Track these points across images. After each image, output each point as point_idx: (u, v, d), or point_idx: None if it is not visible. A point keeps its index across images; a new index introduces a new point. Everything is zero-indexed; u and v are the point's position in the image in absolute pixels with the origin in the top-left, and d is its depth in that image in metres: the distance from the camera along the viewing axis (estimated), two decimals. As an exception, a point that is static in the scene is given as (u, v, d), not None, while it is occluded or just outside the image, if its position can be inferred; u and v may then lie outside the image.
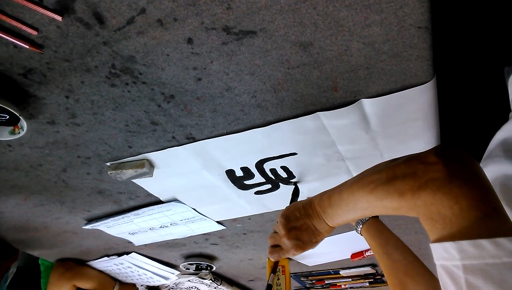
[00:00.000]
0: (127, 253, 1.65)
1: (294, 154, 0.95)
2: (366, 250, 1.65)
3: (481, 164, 0.94)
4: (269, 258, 1.69)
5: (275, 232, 0.85)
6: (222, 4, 0.61)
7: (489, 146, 0.90)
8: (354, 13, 0.62)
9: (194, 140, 0.92)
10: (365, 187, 0.65)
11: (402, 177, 0.60)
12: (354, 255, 1.67)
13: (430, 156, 0.58)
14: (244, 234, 1.46)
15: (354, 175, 1.03)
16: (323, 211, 0.76)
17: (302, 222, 0.80)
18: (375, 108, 0.79)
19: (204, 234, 1.44)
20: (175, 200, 1.19)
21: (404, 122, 0.84)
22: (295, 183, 1.09)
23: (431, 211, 0.55)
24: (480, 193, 0.53)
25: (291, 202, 1.03)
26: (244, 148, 0.93)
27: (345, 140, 0.90)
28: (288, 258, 1.76)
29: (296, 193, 1.08)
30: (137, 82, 0.76)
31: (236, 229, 1.42)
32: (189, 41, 0.67)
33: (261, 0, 0.61)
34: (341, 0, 0.60)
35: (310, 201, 0.81)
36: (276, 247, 0.85)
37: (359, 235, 1.03)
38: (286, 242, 0.81)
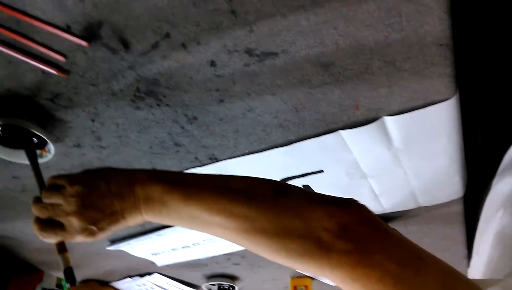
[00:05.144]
0: (150, 274, 1.65)
1: (316, 172, 0.95)
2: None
3: (496, 177, 0.93)
4: (292, 278, 1.67)
5: (49, 200, 0.61)
6: (244, 27, 0.62)
7: (504, 159, 0.89)
8: (375, 32, 0.63)
9: (216, 160, 0.93)
10: (233, 220, 0.51)
11: (298, 237, 0.49)
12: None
13: (331, 220, 0.48)
14: (266, 253, 1.45)
15: (377, 193, 1.02)
16: (145, 201, 0.57)
17: (107, 203, 0.58)
18: (397, 125, 0.79)
19: (226, 254, 1.44)
20: (197, 220, 1.19)
21: (428, 139, 0.83)
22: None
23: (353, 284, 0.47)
24: None
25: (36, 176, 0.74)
26: (266, 167, 0.94)
27: (367, 158, 0.89)
28: (311, 277, 1.73)
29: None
30: (161, 104, 0.77)
31: (258, 249, 1.41)
32: (212, 63, 0.69)
33: (282, 23, 0.62)
34: (361, 20, 0.61)
35: (129, 177, 0.60)
36: (52, 225, 0.60)
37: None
38: (75, 223, 0.58)
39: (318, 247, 0.47)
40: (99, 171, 0.62)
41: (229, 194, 0.53)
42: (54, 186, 0.62)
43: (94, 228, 0.58)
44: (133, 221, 0.59)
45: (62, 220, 0.59)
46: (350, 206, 0.50)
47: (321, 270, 0.48)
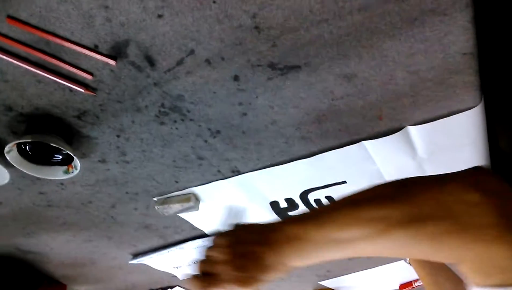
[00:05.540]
0: (171, 287, 1.65)
1: (339, 183, 0.95)
2: (415, 280, 1.60)
3: None
4: (314, 290, 1.66)
5: (209, 255, 0.65)
6: (268, 42, 0.63)
7: None
8: (398, 43, 0.63)
9: (239, 173, 0.94)
10: (366, 226, 0.50)
11: (436, 218, 0.46)
12: (402, 286, 1.62)
13: (468, 192, 0.45)
14: (288, 265, 1.44)
15: (401, 203, 1.01)
16: (285, 241, 0.58)
17: (251, 249, 0.60)
18: (421, 134, 0.79)
19: (247, 266, 1.43)
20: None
21: (452, 148, 0.82)
22: None
23: (483, 263, 0.44)
24: None
25: None
26: (288, 179, 0.94)
27: (391, 168, 0.89)
28: (332, 289, 1.72)
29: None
30: (185, 119, 0.78)
31: (280, 261, 1.40)
32: (236, 78, 0.69)
33: (306, 36, 0.62)
34: (384, 31, 0.61)
35: (269, 224, 0.62)
36: (207, 277, 0.62)
37: (408, 264, 1.01)
38: (229, 272, 0.60)
39: (455, 223, 0.45)
40: (241, 225, 0.66)
41: (358, 205, 0.52)
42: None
43: (246, 275, 0.59)
44: (277, 266, 0.59)
45: (217, 271, 0.61)
46: (480, 175, 0.48)
47: (458, 249, 0.45)
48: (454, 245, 0.45)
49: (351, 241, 0.52)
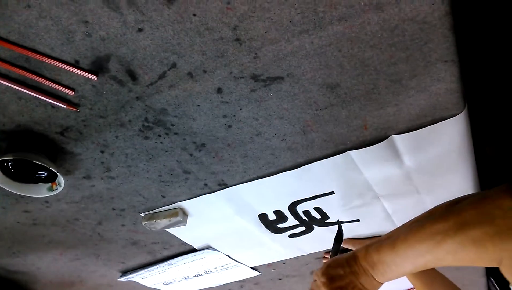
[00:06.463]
0: (162, 304, 1.63)
1: (327, 194, 0.95)
2: (408, 290, 1.59)
3: None
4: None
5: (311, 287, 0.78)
6: (250, 54, 0.63)
7: None
8: (379, 52, 0.63)
9: (226, 186, 0.93)
10: (428, 240, 0.59)
11: (476, 224, 0.53)
12: (395, 296, 1.61)
13: (504, 199, 0.52)
14: (280, 279, 1.43)
15: (390, 212, 1.01)
16: (371, 266, 0.70)
17: (347, 281, 0.72)
18: (406, 143, 0.79)
19: (239, 281, 1.42)
20: (208, 247, 1.18)
21: (438, 156, 0.82)
22: (339, 224, 0.99)
23: None
24: None
25: (333, 248, 0.96)
26: (276, 191, 0.93)
27: (378, 178, 0.89)
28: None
29: (339, 237, 0.97)
30: (170, 133, 0.77)
31: (271, 275, 1.39)
32: (219, 90, 0.69)
33: (287, 47, 0.62)
34: (365, 41, 0.62)
35: (353, 256, 0.73)
36: None
37: (401, 274, 1.00)
38: None
39: (493, 226, 0.52)
40: (331, 262, 0.77)
41: (421, 224, 0.62)
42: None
43: None
44: (371, 286, 0.71)
45: None
46: None
47: (498, 251, 0.52)
48: (494, 247, 0.52)
49: (420, 256, 0.61)
